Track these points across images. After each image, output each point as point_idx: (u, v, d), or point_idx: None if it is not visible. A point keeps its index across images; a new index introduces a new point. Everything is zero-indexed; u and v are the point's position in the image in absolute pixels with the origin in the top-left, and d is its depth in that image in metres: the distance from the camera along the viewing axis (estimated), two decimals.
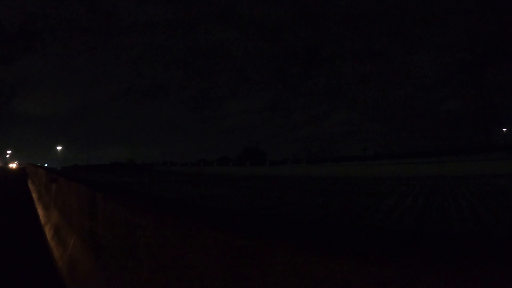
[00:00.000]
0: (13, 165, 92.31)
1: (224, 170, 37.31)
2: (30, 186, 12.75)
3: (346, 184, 16.28)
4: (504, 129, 49.00)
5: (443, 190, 11.70)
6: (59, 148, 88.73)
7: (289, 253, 0.91)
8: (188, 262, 1.33)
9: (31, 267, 3.32)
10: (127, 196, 2.26)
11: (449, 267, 0.68)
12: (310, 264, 0.85)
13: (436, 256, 0.73)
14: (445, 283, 0.66)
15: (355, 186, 14.69)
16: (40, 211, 6.40)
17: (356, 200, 9.56)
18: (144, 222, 1.74)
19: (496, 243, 0.89)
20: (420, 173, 21.80)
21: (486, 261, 0.69)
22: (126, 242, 1.99)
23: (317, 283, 0.83)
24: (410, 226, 5.50)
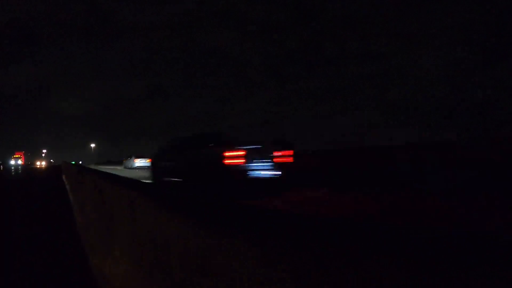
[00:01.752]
0: (41, 164, 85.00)
1: None
2: (64, 179, 14.99)
3: None
4: None
5: None
6: (93, 145, 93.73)
7: None
8: None
9: (63, 227, 5.03)
10: (112, 178, 3.79)
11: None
12: None
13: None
14: None
15: None
16: (71, 196, 8.27)
17: None
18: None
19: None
20: None
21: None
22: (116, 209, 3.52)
23: None
24: None
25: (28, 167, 54.61)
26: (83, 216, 5.25)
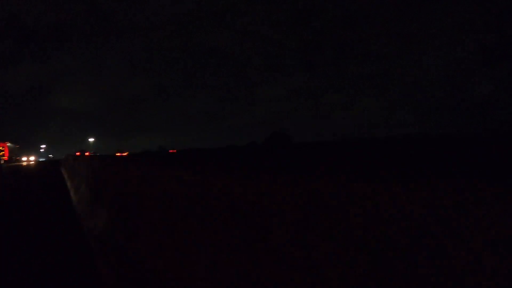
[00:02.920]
0: (29, 160, 61.81)
1: None
2: (62, 170, 15.97)
3: None
4: None
5: None
6: (91, 140, 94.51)
7: None
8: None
9: (62, 204, 6.00)
10: (101, 156, 4.74)
11: None
12: None
13: None
14: None
15: None
16: (68, 183, 9.24)
17: None
18: (108, 167, 4.20)
19: None
20: None
21: None
22: (105, 183, 4.47)
23: None
24: None
25: (10, 166, 35.36)
26: (77, 195, 6.22)
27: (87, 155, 13.75)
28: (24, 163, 47.97)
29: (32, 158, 65.84)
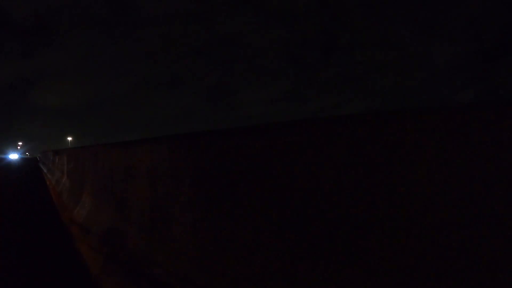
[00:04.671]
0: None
1: None
2: (41, 165, 15.46)
3: None
4: None
5: None
6: (69, 138, 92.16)
7: None
8: None
9: (41, 191, 5.82)
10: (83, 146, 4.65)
11: None
12: None
13: None
14: None
15: None
16: (48, 177, 8.95)
17: None
18: (87, 156, 4.12)
19: None
20: None
21: None
22: (77, 169, 4.38)
23: None
24: None
25: None
26: (58, 186, 6.05)
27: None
28: None
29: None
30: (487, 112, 0.73)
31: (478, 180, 0.72)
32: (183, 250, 1.63)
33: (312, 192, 1.05)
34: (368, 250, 0.89)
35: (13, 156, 72.61)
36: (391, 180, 0.86)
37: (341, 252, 0.95)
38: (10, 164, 25.62)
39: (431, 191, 0.78)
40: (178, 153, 1.84)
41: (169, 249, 1.74)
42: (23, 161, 35.18)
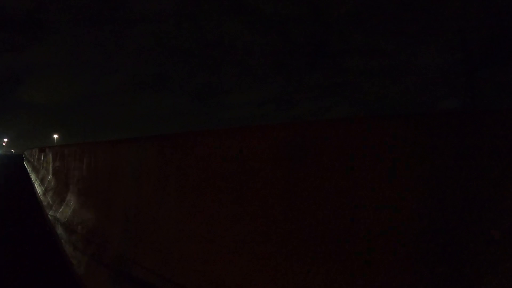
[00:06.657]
0: None
1: None
2: (26, 163, 15.12)
3: None
4: None
5: None
6: (55, 136, 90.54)
7: None
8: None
9: (28, 185, 5.69)
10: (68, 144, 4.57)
11: None
12: None
13: None
14: None
15: None
16: (34, 175, 8.77)
17: None
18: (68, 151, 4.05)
19: None
20: None
21: None
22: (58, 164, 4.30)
23: None
24: None
25: None
26: (43, 185, 5.94)
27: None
28: None
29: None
30: None
31: None
32: (168, 251, 1.62)
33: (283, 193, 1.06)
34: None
35: None
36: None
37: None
38: None
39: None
40: (164, 153, 1.82)
41: (154, 250, 1.73)
42: (8, 159, 34.35)
